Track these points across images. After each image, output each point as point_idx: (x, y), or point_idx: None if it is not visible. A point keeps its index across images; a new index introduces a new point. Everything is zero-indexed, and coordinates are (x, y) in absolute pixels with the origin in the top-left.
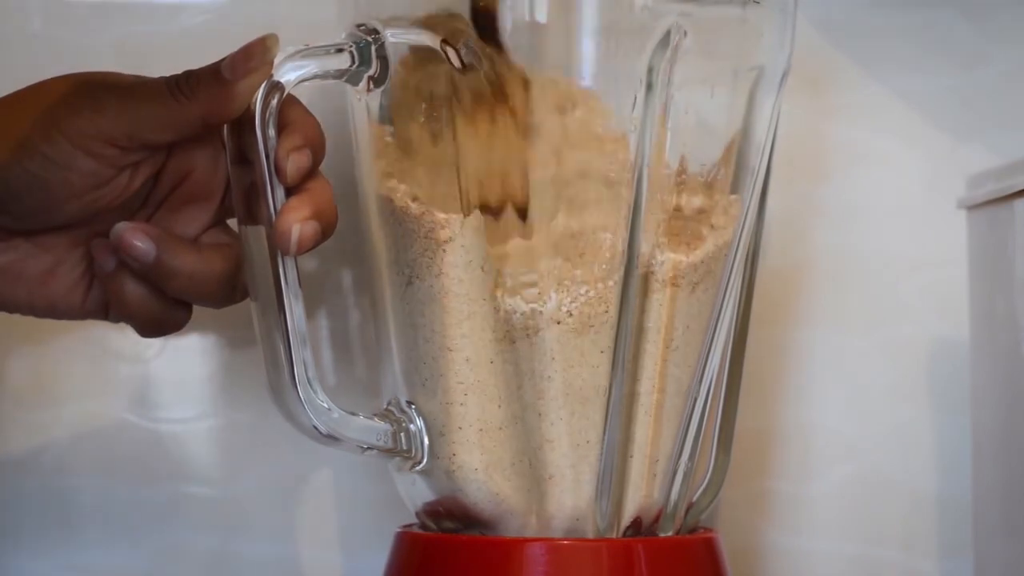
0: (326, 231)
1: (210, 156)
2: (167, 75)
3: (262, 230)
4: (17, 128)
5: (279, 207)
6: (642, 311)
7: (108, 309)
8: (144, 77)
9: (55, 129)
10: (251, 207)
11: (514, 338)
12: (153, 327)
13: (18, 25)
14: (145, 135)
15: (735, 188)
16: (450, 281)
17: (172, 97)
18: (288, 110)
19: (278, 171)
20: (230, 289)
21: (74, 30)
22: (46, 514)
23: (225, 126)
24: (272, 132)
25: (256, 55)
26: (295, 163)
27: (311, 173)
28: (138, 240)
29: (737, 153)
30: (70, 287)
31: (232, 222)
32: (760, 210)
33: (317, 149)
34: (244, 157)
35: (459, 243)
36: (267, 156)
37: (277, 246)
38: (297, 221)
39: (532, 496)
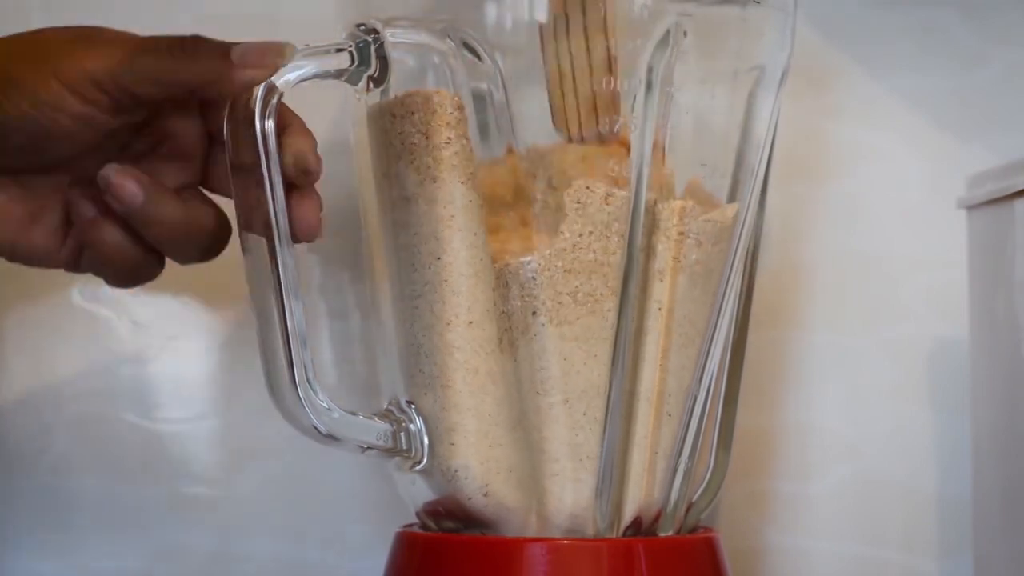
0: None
1: (192, 126)
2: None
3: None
4: (12, 70)
5: (277, 201)
6: (642, 310)
7: (80, 260)
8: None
9: (49, 72)
10: (251, 214)
11: (514, 337)
12: (126, 277)
13: (18, 24)
14: (135, 85)
15: (735, 189)
16: (451, 279)
17: (170, 53)
18: (284, 112)
19: (277, 164)
20: (205, 245)
21: None
22: (46, 514)
23: (225, 130)
24: (271, 127)
25: (269, 56)
26: (295, 157)
27: (309, 170)
28: (127, 182)
29: (737, 153)
30: (50, 233)
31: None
32: (760, 210)
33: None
34: (244, 164)
35: (459, 226)
36: (266, 154)
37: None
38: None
39: (532, 496)
